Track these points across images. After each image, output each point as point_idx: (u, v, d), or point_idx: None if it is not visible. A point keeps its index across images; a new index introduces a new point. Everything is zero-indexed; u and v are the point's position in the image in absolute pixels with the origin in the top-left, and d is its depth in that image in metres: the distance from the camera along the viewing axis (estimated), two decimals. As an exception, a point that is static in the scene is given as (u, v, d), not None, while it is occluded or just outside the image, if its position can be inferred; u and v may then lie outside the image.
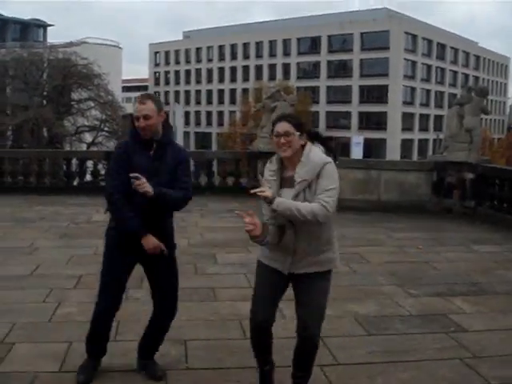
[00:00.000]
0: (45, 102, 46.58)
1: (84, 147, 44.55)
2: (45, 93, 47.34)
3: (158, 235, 4.25)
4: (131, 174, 4.03)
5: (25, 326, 5.51)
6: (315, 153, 3.88)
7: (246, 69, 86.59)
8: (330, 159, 3.87)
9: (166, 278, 4.44)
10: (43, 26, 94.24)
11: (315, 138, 4.04)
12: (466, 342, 5.33)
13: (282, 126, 3.87)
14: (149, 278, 4.52)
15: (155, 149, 4.26)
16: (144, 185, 4.05)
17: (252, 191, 3.75)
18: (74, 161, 16.87)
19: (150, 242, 4.20)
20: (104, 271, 4.49)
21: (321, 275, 3.99)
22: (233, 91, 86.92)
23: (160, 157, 4.26)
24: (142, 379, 4.46)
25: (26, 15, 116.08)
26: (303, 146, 3.91)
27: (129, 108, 65.62)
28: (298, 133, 3.87)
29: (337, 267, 4.09)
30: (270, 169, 3.98)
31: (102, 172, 16.89)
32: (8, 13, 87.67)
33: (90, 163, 17.10)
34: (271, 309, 4.14)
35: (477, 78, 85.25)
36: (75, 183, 16.64)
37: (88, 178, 16.94)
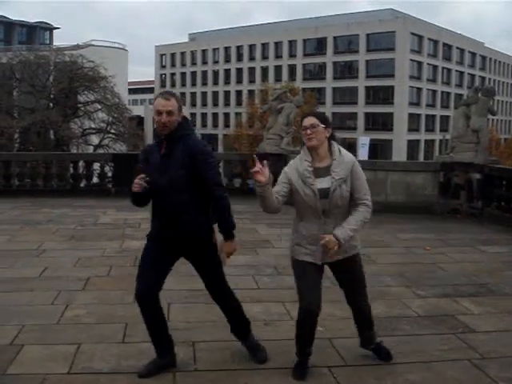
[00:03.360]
0: (51, 104, 46.70)
1: (91, 149, 44.67)
2: (51, 95, 47.47)
3: (183, 230, 4.45)
4: None
5: (33, 327, 5.52)
6: (344, 151, 4.41)
7: (251, 70, 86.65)
8: (354, 157, 4.48)
9: (209, 271, 4.69)
10: (49, 28, 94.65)
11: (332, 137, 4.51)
12: (474, 342, 5.32)
13: (309, 120, 4.36)
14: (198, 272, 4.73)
15: (166, 146, 4.34)
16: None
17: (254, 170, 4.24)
18: (81, 163, 16.93)
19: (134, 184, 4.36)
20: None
21: (351, 259, 4.56)
22: (239, 93, 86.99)
23: (169, 153, 4.32)
24: (151, 382, 4.47)
25: (32, 18, 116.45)
26: (329, 140, 4.41)
27: (135, 110, 65.72)
28: (323, 125, 4.34)
29: (359, 251, 4.66)
30: (305, 160, 4.37)
31: (109, 174, 16.95)
32: (14, 16, 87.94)
33: (96, 165, 17.15)
34: (320, 295, 4.49)
35: (483, 79, 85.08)
36: (82, 185, 16.69)
37: (95, 180, 17.00)
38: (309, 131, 4.31)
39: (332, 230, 4.30)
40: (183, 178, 4.26)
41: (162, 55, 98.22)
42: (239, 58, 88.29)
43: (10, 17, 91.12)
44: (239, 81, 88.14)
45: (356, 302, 4.76)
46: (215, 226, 4.50)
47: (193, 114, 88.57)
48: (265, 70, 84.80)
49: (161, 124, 4.26)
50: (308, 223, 4.39)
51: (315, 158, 4.37)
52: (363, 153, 57.83)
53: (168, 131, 4.29)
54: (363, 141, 59.59)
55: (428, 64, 77.63)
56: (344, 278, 4.64)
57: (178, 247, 4.47)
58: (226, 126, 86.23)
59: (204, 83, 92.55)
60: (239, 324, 4.83)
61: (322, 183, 4.30)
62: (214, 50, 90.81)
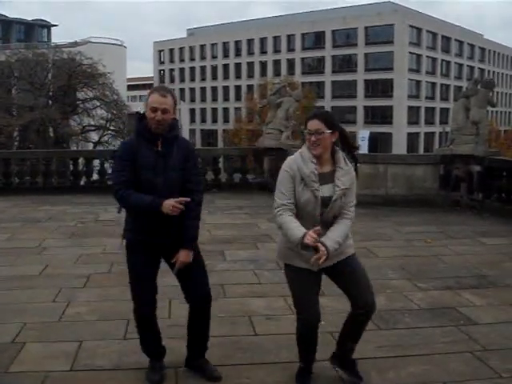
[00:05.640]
0: (50, 102, 46.72)
1: (90, 146, 44.73)
2: (50, 93, 47.52)
3: (176, 232, 4.21)
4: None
5: (35, 325, 5.52)
6: (348, 162, 4.08)
7: (250, 65, 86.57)
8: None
9: (195, 266, 4.38)
10: (47, 26, 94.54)
11: (342, 137, 4.15)
12: (475, 334, 5.32)
13: (313, 124, 3.97)
14: (178, 273, 4.39)
15: (162, 145, 4.16)
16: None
17: (314, 261, 3.90)
18: (81, 160, 16.90)
19: (167, 205, 4.04)
20: (131, 274, 4.37)
21: (348, 258, 4.24)
22: (238, 88, 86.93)
23: (167, 153, 4.16)
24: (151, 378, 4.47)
25: (29, 16, 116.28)
26: (334, 144, 4.06)
27: (134, 106, 65.45)
28: (329, 131, 3.96)
29: (354, 252, 4.33)
30: (312, 161, 3.99)
31: (109, 171, 16.93)
32: (12, 14, 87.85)
33: (96, 162, 17.13)
34: (318, 303, 4.24)
35: (482, 71, 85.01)
36: (82, 183, 16.67)
37: (95, 177, 16.98)
38: (313, 138, 3.95)
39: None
40: (178, 180, 4.18)
41: (160, 51, 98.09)
42: (238, 52, 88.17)
43: (7, 15, 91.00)
44: (238, 76, 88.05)
45: (363, 307, 4.26)
46: None
47: (192, 110, 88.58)
48: (264, 65, 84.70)
49: (155, 122, 4.09)
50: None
51: (317, 161, 4.02)
52: (363, 146, 57.87)
53: (162, 129, 4.13)
54: (363, 134, 59.67)
55: (427, 56, 77.53)
56: (345, 280, 4.25)
57: (165, 250, 4.31)
58: (226, 121, 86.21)
59: (203, 79, 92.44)
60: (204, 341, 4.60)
61: (323, 190, 3.98)
62: (213, 45, 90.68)
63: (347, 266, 4.21)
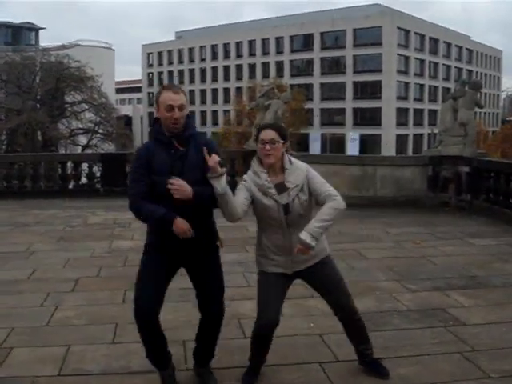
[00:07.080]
0: (38, 105, 46.52)
1: (79, 150, 44.61)
2: (38, 96, 47.31)
3: (196, 238, 4.04)
4: (169, 181, 3.87)
5: (23, 330, 5.49)
6: (294, 160, 4.20)
7: (239, 67, 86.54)
8: (306, 164, 4.23)
9: (212, 280, 4.29)
10: (35, 29, 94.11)
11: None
12: (464, 335, 5.33)
13: (268, 134, 4.09)
14: (194, 283, 4.35)
15: (176, 146, 4.03)
16: (180, 189, 3.89)
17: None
18: (69, 164, 16.82)
19: (179, 226, 3.95)
20: (141, 275, 4.26)
21: (322, 262, 4.29)
22: (226, 90, 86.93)
23: (183, 154, 4.02)
24: (141, 382, 4.45)
25: (17, 19, 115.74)
26: (283, 155, 4.16)
27: (123, 110, 65.16)
28: (282, 141, 4.10)
29: (329, 253, 4.40)
30: (262, 171, 4.13)
31: (98, 174, 16.88)
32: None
33: (85, 166, 17.06)
34: (279, 309, 4.28)
35: (470, 72, 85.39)
36: (71, 186, 16.60)
37: (83, 180, 16.91)
38: (268, 147, 4.04)
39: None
40: (199, 180, 3.96)
41: (149, 54, 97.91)
42: (226, 55, 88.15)
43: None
44: (227, 78, 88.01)
45: (341, 309, 4.41)
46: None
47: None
48: (252, 67, 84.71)
49: (173, 120, 3.95)
50: (272, 234, 4.15)
51: (270, 173, 4.12)
52: (354, 147, 57.83)
53: (180, 127, 4.00)
54: (353, 135, 59.57)
55: (415, 58, 77.78)
56: (319, 285, 4.35)
57: (182, 255, 4.16)
58: (215, 123, 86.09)
59: (191, 81, 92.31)
60: (212, 347, 4.54)
61: (282, 199, 4.06)
62: (201, 47, 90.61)
63: (319, 270, 4.28)
